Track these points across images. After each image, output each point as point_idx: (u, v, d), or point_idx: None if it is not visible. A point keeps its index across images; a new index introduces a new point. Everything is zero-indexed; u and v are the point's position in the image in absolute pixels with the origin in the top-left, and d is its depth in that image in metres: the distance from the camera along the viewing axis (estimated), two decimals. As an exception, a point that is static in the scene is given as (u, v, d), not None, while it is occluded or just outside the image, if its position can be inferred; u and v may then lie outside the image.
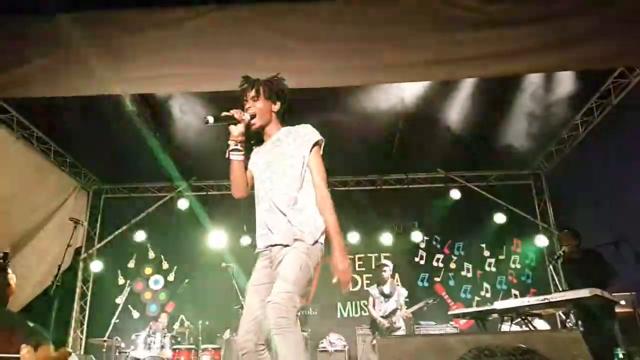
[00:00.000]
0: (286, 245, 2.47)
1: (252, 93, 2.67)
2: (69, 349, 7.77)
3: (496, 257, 9.21)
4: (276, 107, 2.73)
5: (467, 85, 6.58)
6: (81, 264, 9.15)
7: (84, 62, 4.91)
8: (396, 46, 4.94)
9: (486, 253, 9.24)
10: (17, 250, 7.66)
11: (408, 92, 6.65)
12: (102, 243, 9.23)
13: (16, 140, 7.09)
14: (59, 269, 6.11)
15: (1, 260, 6.28)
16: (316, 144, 2.65)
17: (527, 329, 5.77)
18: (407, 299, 6.98)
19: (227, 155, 2.63)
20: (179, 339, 7.42)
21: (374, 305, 6.95)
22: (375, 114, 7.10)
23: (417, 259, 9.26)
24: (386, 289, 6.92)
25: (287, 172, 2.59)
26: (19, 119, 7.02)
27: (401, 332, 6.72)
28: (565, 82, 6.58)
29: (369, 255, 9.11)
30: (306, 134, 2.67)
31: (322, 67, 5.01)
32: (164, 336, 7.14)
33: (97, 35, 4.95)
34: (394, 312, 6.72)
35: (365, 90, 6.64)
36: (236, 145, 2.61)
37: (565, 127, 7.82)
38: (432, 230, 9.32)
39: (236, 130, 2.59)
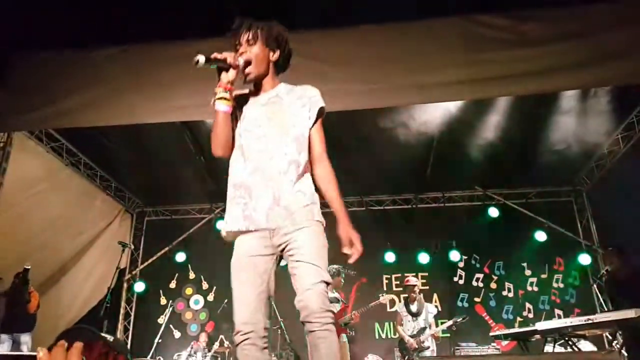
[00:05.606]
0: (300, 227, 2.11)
1: (248, 36, 2.26)
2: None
3: (538, 277, 8.95)
4: (275, 55, 2.32)
5: (503, 102, 6.55)
6: (125, 285, 9.42)
7: (125, 94, 5.21)
8: (427, 66, 5.00)
9: (527, 272, 9.00)
10: (66, 271, 7.98)
11: (444, 109, 6.66)
12: (145, 264, 9.47)
13: (65, 166, 7.47)
14: (108, 290, 6.33)
15: (21, 276, 6.50)
16: (322, 109, 2.31)
17: (571, 350, 5.61)
18: (437, 316, 6.88)
19: (212, 104, 2.24)
20: (218, 359, 7.52)
21: (401, 323, 6.86)
22: (411, 132, 7.13)
23: (455, 279, 9.10)
24: (414, 307, 6.82)
25: (289, 132, 2.23)
26: (68, 147, 7.41)
27: (429, 353, 6.58)
28: (604, 96, 6.48)
29: (406, 274, 9.01)
30: (313, 95, 2.32)
31: (355, 89, 5.09)
32: (205, 356, 7.28)
33: (137, 68, 5.26)
34: (422, 330, 6.61)
35: (400, 109, 6.69)
36: (225, 92, 2.20)
37: (606, 142, 7.66)
38: (470, 250, 9.15)
39: (227, 77, 2.19)
